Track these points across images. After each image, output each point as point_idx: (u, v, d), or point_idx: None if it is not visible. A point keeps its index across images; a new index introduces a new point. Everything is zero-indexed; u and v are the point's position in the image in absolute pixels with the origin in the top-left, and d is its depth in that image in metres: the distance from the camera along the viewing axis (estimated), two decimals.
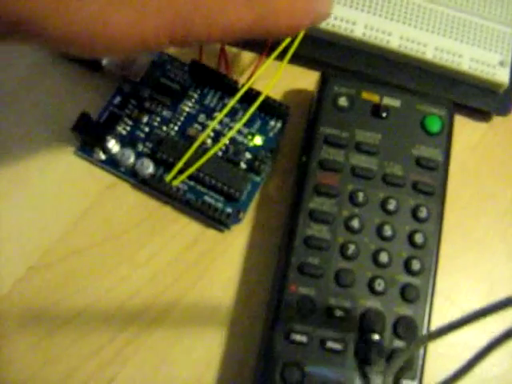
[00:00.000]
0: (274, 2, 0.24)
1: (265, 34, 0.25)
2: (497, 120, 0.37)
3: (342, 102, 0.33)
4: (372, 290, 0.30)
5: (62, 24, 0.20)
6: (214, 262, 0.33)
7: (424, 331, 0.30)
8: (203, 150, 0.32)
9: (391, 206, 0.31)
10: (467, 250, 0.35)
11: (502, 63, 0.35)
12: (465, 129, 0.36)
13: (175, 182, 0.32)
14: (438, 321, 0.32)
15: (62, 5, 0.20)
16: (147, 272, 0.32)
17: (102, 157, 0.33)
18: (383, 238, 0.31)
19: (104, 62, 0.34)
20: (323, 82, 0.33)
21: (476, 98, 0.36)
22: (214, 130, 0.34)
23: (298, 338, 0.29)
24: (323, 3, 0.26)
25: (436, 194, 0.32)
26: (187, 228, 0.33)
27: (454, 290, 0.34)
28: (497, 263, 0.35)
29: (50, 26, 0.20)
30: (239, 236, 0.33)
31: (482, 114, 0.37)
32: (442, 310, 0.33)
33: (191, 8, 0.22)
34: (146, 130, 0.34)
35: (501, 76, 0.35)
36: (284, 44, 0.33)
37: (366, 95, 0.33)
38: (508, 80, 0.35)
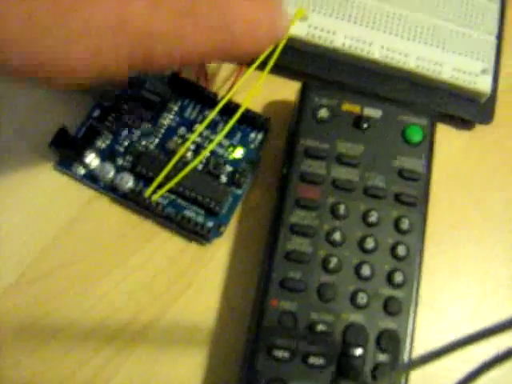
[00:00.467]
0: (235, 26, 0.24)
1: (227, 57, 0.25)
2: (479, 128, 0.37)
3: (323, 113, 0.32)
4: (354, 304, 0.30)
5: (24, 56, 0.20)
6: (196, 277, 0.32)
7: (407, 344, 0.30)
8: (183, 163, 0.32)
9: (373, 218, 0.31)
10: (452, 259, 0.35)
11: (484, 71, 0.35)
12: (448, 137, 0.36)
13: (155, 197, 0.32)
14: (423, 331, 0.32)
15: (24, 38, 0.19)
16: (129, 287, 0.32)
17: (82, 171, 0.33)
18: (365, 251, 0.31)
19: None
20: (303, 94, 0.33)
21: (458, 106, 0.36)
22: (194, 143, 0.33)
23: (281, 353, 0.29)
24: (283, 20, 0.26)
25: (418, 204, 0.32)
26: (168, 242, 0.33)
27: (440, 299, 0.34)
28: (483, 271, 0.34)
29: (13, 57, 0.20)
30: (221, 249, 0.33)
31: (464, 123, 0.36)
32: (427, 320, 0.33)
33: (151, 37, 0.22)
34: (126, 143, 0.33)
35: (483, 84, 0.35)
36: (264, 55, 0.33)
37: (346, 106, 0.33)
38: (490, 88, 0.35)
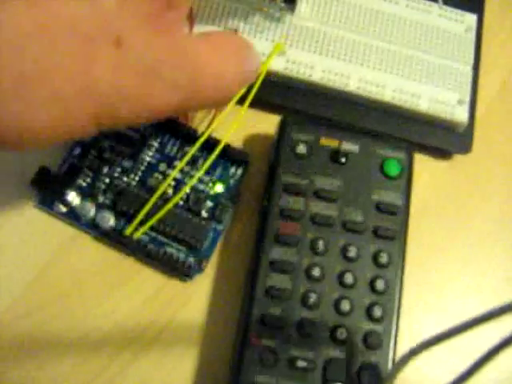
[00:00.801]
0: (200, 80, 0.24)
1: (196, 108, 0.25)
2: (458, 158, 0.37)
3: (301, 149, 0.33)
4: (334, 339, 0.30)
5: None
6: (178, 312, 0.33)
7: (388, 377, 0.30)
8: (164, 199, 0.32)
9: (352, 253, 0.32)
10: (432, 289, 0.35)
11: (460, 102, 0.36)
12: (426, 167, 0.37)
13: (136, 234, 0.32)
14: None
15: None
16: (111, 324, 0.32)
17: (63, 209, 0.33)
18: (344, 286, 0.31)
19: None
20: (281, 130, 0.33)
21: (436, 137, 0.36)
22: (174, 179, 0.34)
23: None
24: (251, 62, 0.27)
25: (396, 238, 0.32)
26: (150, 279, 0.33)
27: (420, 330, 0.34)
28: (462, 301, 0.35)
29: None
30: (202, 285, 0.33)
31: (442, 153, 0.37)
32: (407, 348, 0.33)
33: (116, 97, 0.22)
34: (107, 180, 0.34)
35: (460, 115, 0.36)
36: (243, 89, 0.33)
37: (324, 141, 0.33)
38: (467, 118, 0.36)
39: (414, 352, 0.28)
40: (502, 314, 0.22)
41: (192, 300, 0.33)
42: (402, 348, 0.31)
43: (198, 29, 0.35)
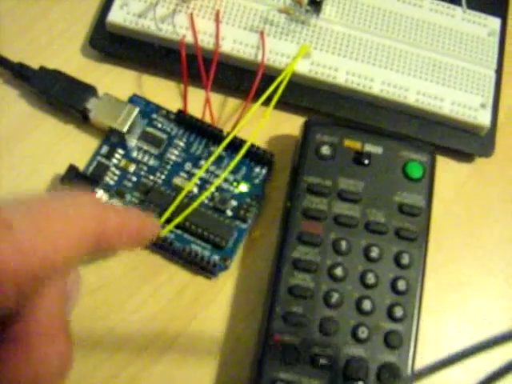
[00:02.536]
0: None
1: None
2: (480, 161, 0.37)
3: (325, 150, 0.33)
4: (356, 338, 0.31)
5: None
6: (203, 310, 0.33)
7: (408, 377, 0.31)
8: (190, 198, 0.33)
9: (374, 253, 0.32)
10: (453, 291, 0.35)
11: (483, 105, 0.36)
12: (448, 170, 0.37)
13: (162, 232, 0.33)
14: (422, 361, 0.33)
15: None
16: (137, 320, 0.33)
17: None
18: (366, 286, 0.32)
19: (91, 113, 0.34)
20: (306, 131, 0.34)
21: (459, 140, 0.37)
22: (200, 178, 0.34)
23: None
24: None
25: (418, 239, 0.33)
26: (175, 276, 0.34)
27: (440, 332, 0.34)
28: (483, 304, 0.35)
29: None
30: (227, 283, 0.34)
31: (465, 156, 0.37)
32: (428, 353, 0.34)
33: None
34: (134, 179, 0.34)
35: (482, 118, 0.36)
36: (269, 91, 0.34)
37: (348, 143, 0.34)
38: (489, 122, 0.36)
39: (434, 368, 0.28)
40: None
41: (216, 297, 0.33)
42: (421, 350, 0.32)
43: (226, 31, 0.36)
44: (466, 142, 0.37)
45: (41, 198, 0.20)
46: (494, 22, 0.38)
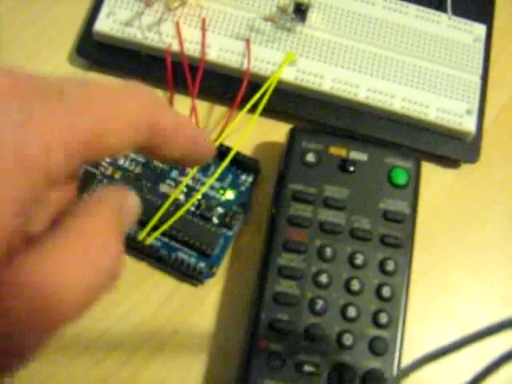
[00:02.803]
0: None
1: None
2: (465, 167, 0.37)
3: (310, 157, 0.33)
4: (341, 345, 0.31)
5: None
6: (189, 317, 0.33)
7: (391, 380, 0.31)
8: (176, 206, 0.33)
9: (359, 260, 0.32)
10: (439, 295, 0.35)
11: (468, 112, 0.36)
12: (434, 176, 0.37)
13: (148, 240, 0.33)
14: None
15: None
16: (124, 328, 0.33)
17: None
18: (351, 293, 0.32)
19: None
20: (291, 139, 0.34)
21: (444, 146, 0.37)
22: (186, 186, 0.35)
23: None
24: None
25: (403, 246, 0.33)
26: (162, 283, 0.34)
27: (427, 336, 0.34)
28: (470, 307, 0.35)
29: None
30: (213, 290, 0.34)
31: (451, 162, 0.37)
32: (412, 356, 0.34)
33: None
34: None
35: (468, 125, 0.36)
36: (254, 99, 0.34)
37: (333, 150, 0.34)
38: (475, 128, 0.36)
39: (418, 363, 0.29)
40: (505, 329, 0.23)
41: (203, 304, 0.34)
42: (408, 355, 0.32)
43: (212, 39, 0.36)
44: (452, 148, 0.37)
45: (93, 80, 0.19)
46: (480, 29, 0.38)
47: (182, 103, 0.36)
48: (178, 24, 0.36)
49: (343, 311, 0.31)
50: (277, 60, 0.36)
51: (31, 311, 0.16)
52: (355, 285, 0.32)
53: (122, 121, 0.18)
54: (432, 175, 0.37)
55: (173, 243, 0.34)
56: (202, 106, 0.37)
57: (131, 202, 0.20)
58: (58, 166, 0.16)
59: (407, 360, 0.32)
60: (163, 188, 0.35)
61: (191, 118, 0.35)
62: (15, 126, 0.16)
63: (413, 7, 0.38)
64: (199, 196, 0.34)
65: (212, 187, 0.35)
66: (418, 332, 0.34)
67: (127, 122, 0.18)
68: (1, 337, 0.16)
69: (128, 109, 0.19)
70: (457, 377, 0.33)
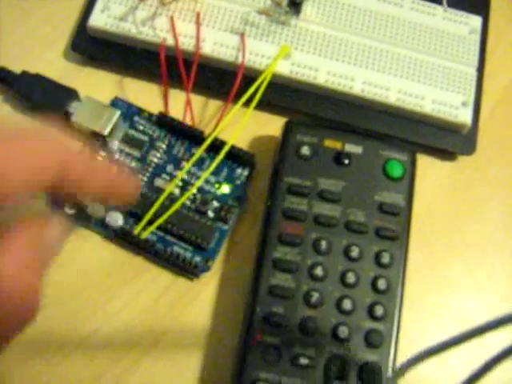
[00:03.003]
0: None
1: None
2: (462, 159, 0.37)
3: (305, 150, 0.33)
4: (336, 337, 0.31)
5: None
6: (185, 311, 0.34)
7: (389, 376, 0.31)
8: (171, 200, 0.33)
9: (354, 252, 0.32)
10: (435, 289, 0.35)
11: (464, 104, 0.36)
12: (431, 169, 0.37)
13: (144, 234, 0.33)
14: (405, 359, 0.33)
15: None
16: (120, 322, 0.33)
17: (73, 211, 0.34)
18: (346, 285, 0.32)
19: (73, 117, 0.35)
20: (286, 132, 0.34)
21: (440, 138, 0.37)
22: (181, 180, 0.35)
23: None
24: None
25: (399, 238, 0.33)
26: (158, 278, 0.34)
27: (422, 331, 0.34)
28: (465, 302, 0.35)
29: None
30: (209, 284, 0.34)
31: (447, 154, 0.37)
32: (410, 351, 0.34)
33: None
34: None
35: (463, 117, 0.36)
36: (249, 92, 0.34)
37: (328, 143, 0.34)
38: (470, 120, 0.36)
39: (416, 359, 0.29)
40: (503, 325, 0.23)
41: (198, 298, 0.34)
42: (405, 349, 0.32)
43: (207, 33, 0.36)
44: (448, 141, 0.37)
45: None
46: (475, 21, 0.38)
47: (177, 97, 0.36)
48: (172, 18, 0.36)
49: (339, 304, 0.31)
50: (271, 53, 0.36)
51: None
52: (351, 277, 0.32)
53: (20, 166, 0.18)
54: (428, 168, 0.37)
55: (168, 237, 0.34)
56: (197, 100, 0.37)
57: (53, 232, 0.20)
58: None
59: (404, 354, 0.32)
60: (158, 182, 0.35)
61: (186, 112, 0.35)
62: None
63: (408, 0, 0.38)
64: (194, 190, 0.34)
65: (207, 181, 0.35)
66: (415, 327, 0.34)
67: (26, 168, 0.18)
68: None
69: (30, 154, 0.19)
70: (455, 373, 0.33)
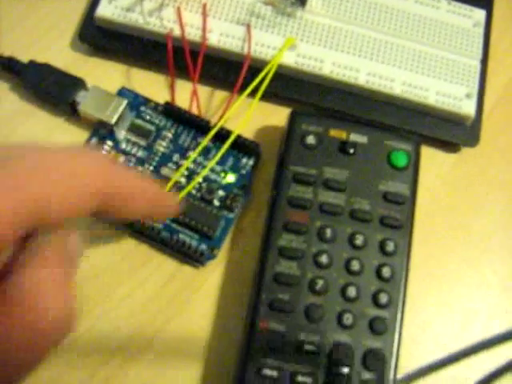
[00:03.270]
0: None
1: None
2: (465, 151, 0.38)
3: (310, 140, 0.34)
4: (341, 324, 0.31)
5: None
6: (190, 299, 0.34)
7: (393, 363, 0.31)
8: (177, 188, 0.34)
9: (359, 241, 0.32)
10: (440, 281, 0.36)
11: (468, 95, 0.36)
12: (434, 160, 0.37)
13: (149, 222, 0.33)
14: (410, 350, 0.33)
15: None
16: (126, 309, 0.33)
17: None
18: (351, 273, 0.32)
19: (80, 106, 0.35)
20: (291, 121, 0.34)
21: (444, 130, 0.37)
22: (187, 169, 0.35)
23: (269, 372, 0.30)
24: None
25: (403, 227, 0.33)
26: (163, 265, 0.34)
27: (427, 319, 0.35)
28: (468, 293, 0.35)
29: None
30: (214, 272, 0.34)
31: (450, 146, 0.38)
32: (415, 339, 0.34)
33: None
34: None
35: (467, 108, 0.36)
36: (255, 82, 0.34)
37: (333, 132, 0.34)
38: (474, 112, 0.36)
39: (420, 373, 0.29)
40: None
41: (204, 286, 0.34)
42: (407, 336, 0.32)
43: (213, 24, 0.36)
44: (452, 132, 0.37)
45: (44, 146, 0.19)
46: (479, 14, 0.39)
47: (184, 88, 0.36)
48: (179, 9, 0.36)
49: (343, 291, 0.32)
50: (277, 44, 0.36)
51: None
52: (355, 265, 0.32)
53: (69, 187, 0.18)
54: (432, 159, 0.37)
55: (174, 225, 0.34)
56: (203, 90, 0.37)
57: (74, 243, 0.20)
58: (4, 234, 0.16)
59: (408, 342, 0.33)
60: (165, 171, 0.35)
61: (192, 102, 0.36)
62: None
63: None
64: (200, 179, 0.34)
65: (213, 170, 0.35)
66: (417, 316, 0.34)
67: (76, 189, 0.18)
68: None
69: (77, 175, 0.18)
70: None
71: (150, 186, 0.23)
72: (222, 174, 0.35)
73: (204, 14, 0.36)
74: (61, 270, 0.19)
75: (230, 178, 0.35)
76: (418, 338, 0.34)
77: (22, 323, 0.17)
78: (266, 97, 0.36)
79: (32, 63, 0.36)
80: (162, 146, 0.35)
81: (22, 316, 0.17)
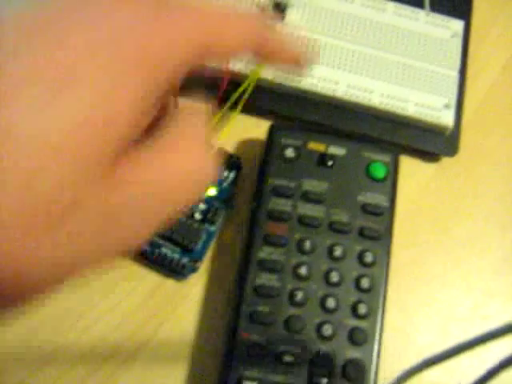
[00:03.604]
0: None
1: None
2: (445, 160, 0.38)
3: (289, 152, 0.34)
4: (321, 335, 0.32)
5: None
6: (173, 311, 0.34)
7: (372, 373, 0.31)
8: None
9: (338, 252, 0.33)
10: (422, 286, 0.36)
11: (446, 106, 0.37)
12: (414, 170, 0.38)
13: None
14: (392, 355, 0.33)
15: None
16: (110, 322, 0.34)
17: None
18: (330, 284, 0.32)
19: None
20: (270, 135, 0.35)
21: (423, 140, 0.37)
22: None
23: None
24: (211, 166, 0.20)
25: (382, 238, 0.33)
26: (146, 279, 0.34)
27: (409, 325, 0.35)
28: (452, 298, 0.36)
29: None
30: (196, 284, 0.35)
31: (430, 156, 0.38)
32: (397, 345, 0.34)
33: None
34: None
35: (446, 119, 0.37)
36: (235, 95, 0.35)
37: (312, 145, 0.34)
38: (453, 122, 0.37)
39: (414, 370, 0.29)
40: (501, 336, 0.23)
41: (186, 299, 0.34)
42: (392, 342, 0.32)
43: None
44: (431, 142, 0.37)
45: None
46: (457, 24, 0.39)
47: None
48: None
49: (323, 302, 0.32)
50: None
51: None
52: (334, 276, 0.32)
53: (236, 29, 0.19)
54: (412, 169, 0.38)
55: (156, 239, 0.34)
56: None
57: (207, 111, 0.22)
58: (178, 65, 0.17)
59: (388, 351, 0.33)
60: None
61: None
62: (143, 23, 0.16)
63: (391, 4, 0.39)
64: None
65: None
66: (401, 322, 0.35)
67: (239, 33, 0.19)
68: None
69: (240, 25, 0.20)
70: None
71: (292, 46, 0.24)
72: None
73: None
74: (203, 131, 0.20)
75: (212, 191, 0.35)
76: (402, 343, 0.35)
77: (177, 164, 0.18)
78: (247, 109, 0.36)
79: None
80: None
81: (176, 158, 0.18)
